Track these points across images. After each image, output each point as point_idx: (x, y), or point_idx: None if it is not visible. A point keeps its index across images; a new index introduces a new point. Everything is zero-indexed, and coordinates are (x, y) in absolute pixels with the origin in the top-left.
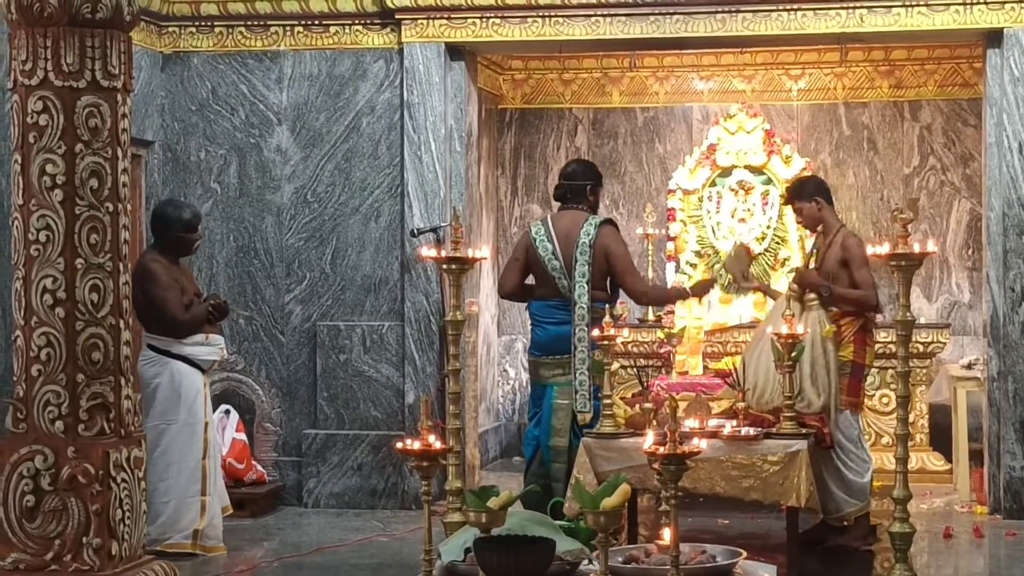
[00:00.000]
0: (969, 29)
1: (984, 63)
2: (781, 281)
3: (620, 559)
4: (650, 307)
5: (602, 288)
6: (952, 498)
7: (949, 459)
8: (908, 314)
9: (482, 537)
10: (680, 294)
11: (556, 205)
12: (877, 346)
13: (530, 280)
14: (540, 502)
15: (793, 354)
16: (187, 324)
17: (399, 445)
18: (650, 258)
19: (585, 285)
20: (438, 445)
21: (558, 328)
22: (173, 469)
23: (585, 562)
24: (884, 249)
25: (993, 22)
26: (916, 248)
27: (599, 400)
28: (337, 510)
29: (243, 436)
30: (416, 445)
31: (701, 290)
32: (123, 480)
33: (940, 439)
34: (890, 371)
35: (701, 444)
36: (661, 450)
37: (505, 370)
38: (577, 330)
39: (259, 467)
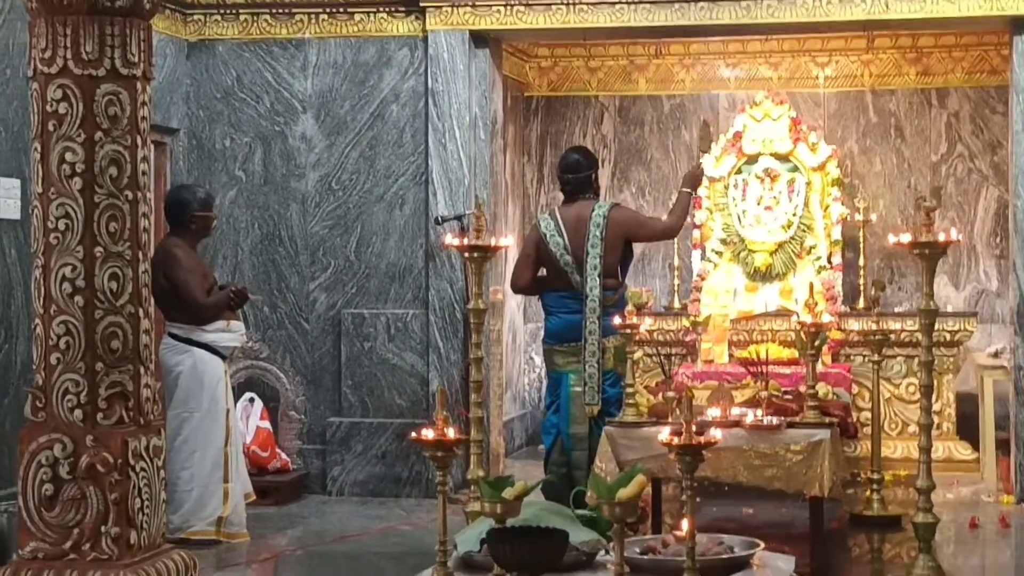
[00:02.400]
0: (995, 16)
1: (1011, 50)
2: (808, 269)
3: (637, 550)
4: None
5: (613, 275)
6: (979, 488)
7: (976, 448)
8: (932, 303)
9: (496, 528)
10: (685, 200)
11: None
12: (903, 334)
13: (542, 272)
14: (561, 491)
15: (816, 343)
16: (209, 308)
17: (413, 435)
18: (676, 246)
19: (597, 278)
20: (452, 435)
21: (572, 316)
22: (196, 457)
23: (602, 552)
24: (907, 238)
25: (1019, 9)
26: (940, 237)
27: (621, 388)
28: (361, 498)
29: (267, 424)
30: (430, 435)
31: (694, 180)
32: (142, 469)
33: (967, 428)
34: (916, 360)
35: (718, 434)
36: (677, 440)
37: (531, 358)
38: (588, 322)
39: (283, 455)
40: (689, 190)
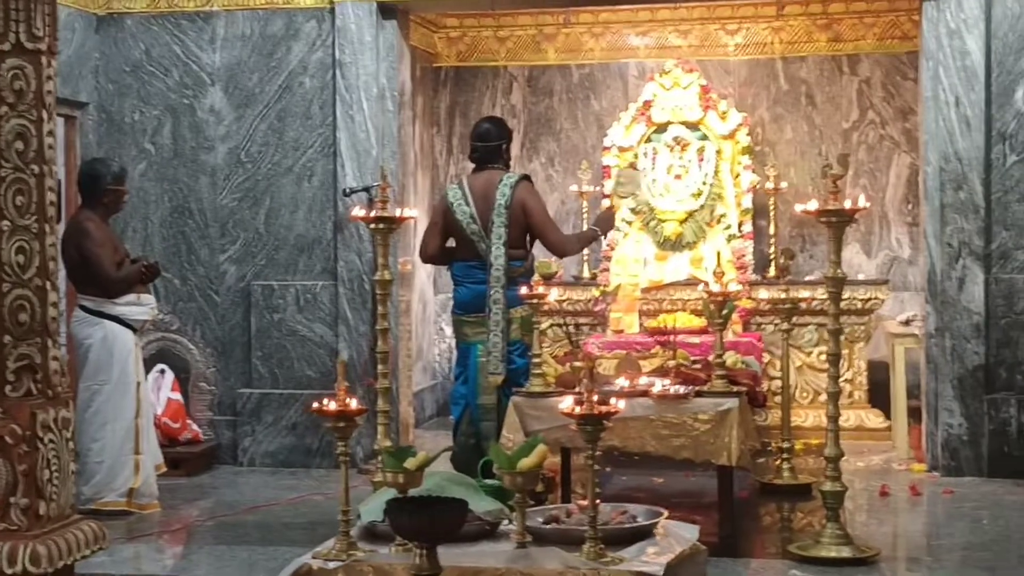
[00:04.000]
0: None
1: (921, 15)
2: (719, 238)
3: (540, 519)
4: (583, 258)
5: (520, 247)
6: (890, 456)
7: (888, 416)
8: (839, 271)
9: (395, 498)
10: (591, 235)
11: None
12: (814, 302)
13: (450, 243)
14: (470, 461)
15: (724, 312)
16: (120, 282)
17: (315, 405)
18: (585, 216)
19: (502, 247)
20: (354, 406)
21: (479, 287)
22: (107, 429)
23: (505, 522)
24: (814, 206)
25: None
26: (847, 204)
27: (527, 358)
28: (272, 469)
29: (178, 396)
30: (332, 406)
31: (606, 223)
32: (50, 441)
33: (879, 396)
34: (826, 327)
35: (620, 404)
36: (579, 410)
37: (441, 328)
38: (492, 292)
39: (194, 426)
40: (598, 230)
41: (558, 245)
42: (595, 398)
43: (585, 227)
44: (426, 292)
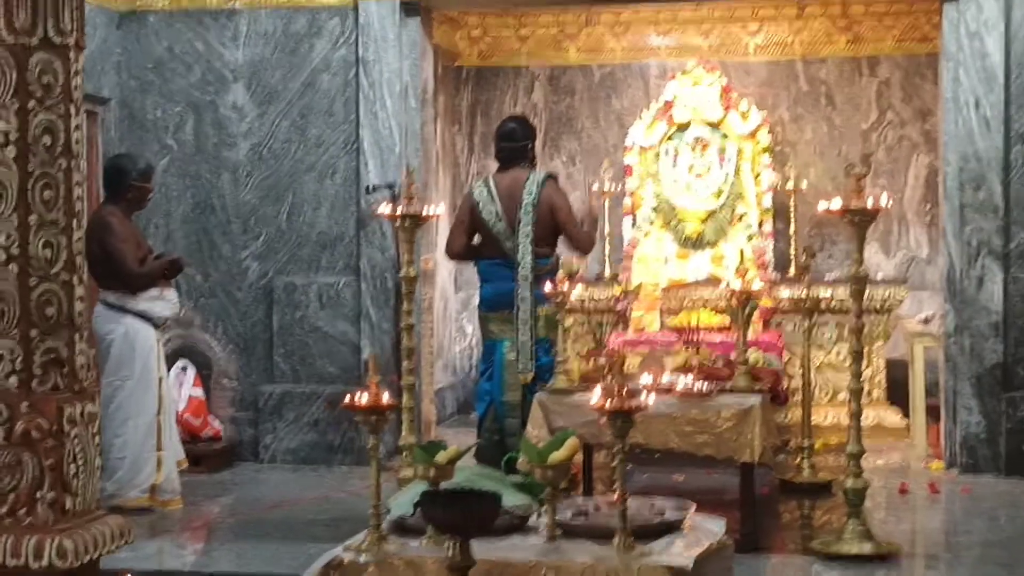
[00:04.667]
0: None
1: (941, 17)
2: (739, 237)
3: (569, 513)
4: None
5: (546, 244)
6: (909, 454)
7: (906, 415)
8: (862, 269)
9: (429, 491)
10: (590, 217)
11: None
12: (833, 302)
13: (476, 239)
14: (494, 457)
15: (747, 310)
16: (142, 277)
17: (347, 399)
18: (607, 215)
19: (529, 245)
20: (387, 400)
21: (505, 284)
22: (129, 425)
23: (534, 516)
24: (837, 204)
25: None
26: (870, 203)
27: (552, 356)
28: (293, 466)
29: (200, 392)
30: (364, 400)
31: (590, 218)
32: (76, 435)
33: (898, 395)
34: (847, 327)
35: (649, 399)
36: (608, 404)
37: (462, 326)
38: (520, 290)
39: (216, 423)
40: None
41: (585, 242)
42: (624, 392)
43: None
44: (447, 290)
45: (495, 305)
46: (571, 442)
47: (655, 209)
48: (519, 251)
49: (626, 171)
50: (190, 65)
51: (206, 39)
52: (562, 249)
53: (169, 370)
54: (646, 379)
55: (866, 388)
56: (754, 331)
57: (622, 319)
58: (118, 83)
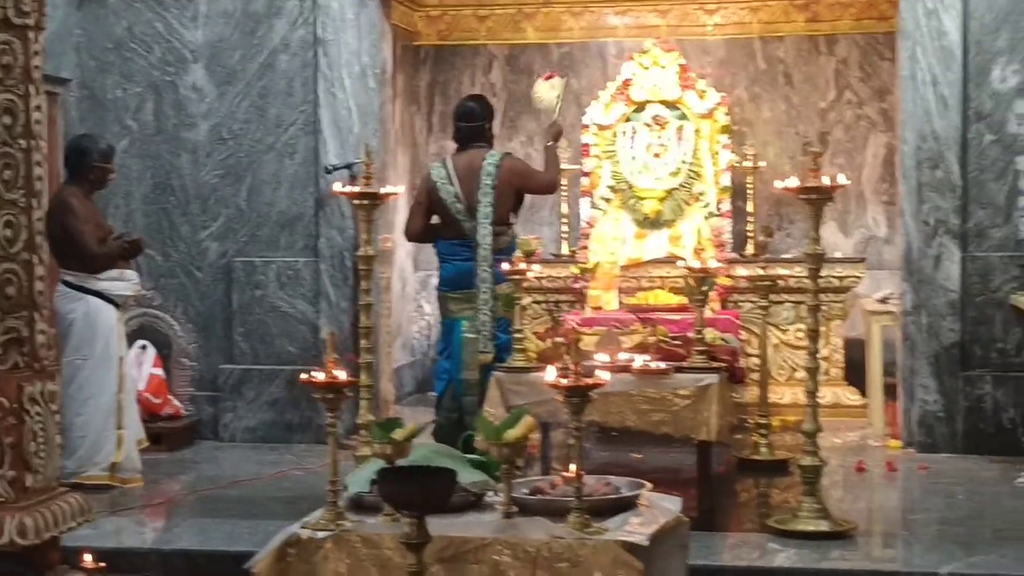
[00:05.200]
0: None
1: None
2: (697, 216)
3: (525, 490)
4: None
5: (505, 223)
6: (866, 432)
7: (864, 394)
8: (818, 247)
9: (385, 468)
10: (552, 153)
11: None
12: (791, 280)
13: (435, 220)
14: (452, 436)
15: (704, 288)
16: (103, 257)
17: (304, 377)
18: (565, 194)
19: (488, 226)
20: (344, 378)
21: (464, 264)
22: (90, 404)
23: (490, 493)
24: (794, 183)
25: None
26: (826, 182)
27: (509, 334)
28: (253, 444)
29: (160, 371)
30: (321, 377)
31: (555, 134)
32: (37, 413)
33: (855, 374)
34: (804, 305)
35: (605, 376)
36: (564, 382)
37: (420, 306)
38: (480, 271)
39: (176, 402)
40: (552, 143)
41: (552, 182)
42: (580, 370)
43: (566, 208)
44: (405, 269)
45: (455, 285)
46: (526, 420)
47: (613, 188)
48: (478, 231)
49: (584, 151)
50: (150, 46)
51: (166, 19)
52: (519, 229)
53: (129, 349)
54: (602, 357)
55: (823, 367)
56: (711, 310)
57: (579, 298)
58: (78, 64)
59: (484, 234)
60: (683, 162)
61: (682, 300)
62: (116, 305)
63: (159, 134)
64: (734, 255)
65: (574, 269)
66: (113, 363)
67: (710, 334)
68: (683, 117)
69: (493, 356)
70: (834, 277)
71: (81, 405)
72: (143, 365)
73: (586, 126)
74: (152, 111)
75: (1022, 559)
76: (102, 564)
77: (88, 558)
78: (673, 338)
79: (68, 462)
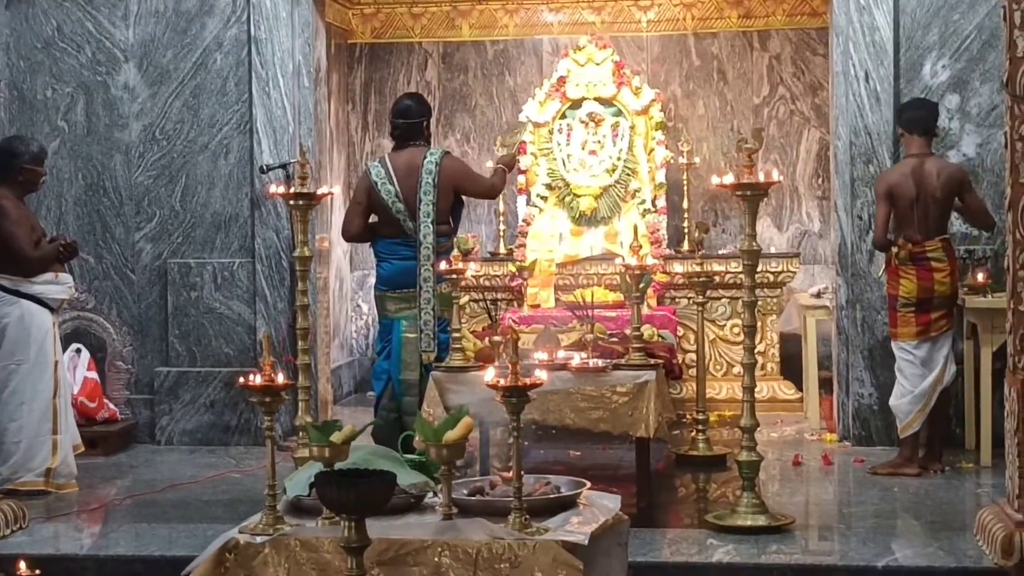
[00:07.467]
0: None
1: None
2: (633, 213)
3: (465, 491)
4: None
5: (446, 222)
6: (802, 426)
7: (800, 388)
8: (754, 243)
9: (323, 471)
10: (501, 172)
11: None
12: (727, 276)
13: (373, 219)
14: (392, 436)
15: (641, 285)
16: (37, 261)
17: (241, 380)
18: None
19: (430, 225)
20: (280, 380)
21: (404, 263)
22: (24, 409)
23: (430, 495)
24: (729, 179)
25: None
26: (761, 178)
27: (448, 333)
28: (190, 447)
29: (95, 375)
30: (258, 380)
31: (509, 163)
32: None
33: (791, 368)
34: (740, 301)
35: (542, 375)
36: (502, 382)
37: (358, 305)
38: (422, 270)
39: (111, 405)
40: (503, 167)
41: (493, 188)
42: (518, 369)
43: (503, 206)
44: (343, 269)
45: (394, 284)
46: (465, 421)
47: (549, 186)
48: (420, 230)
49: (520, 148)
50: (80, 45)
51: (96, 19)
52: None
53: (63, 353)
54: (540, 356)
55: (760, 362)
56: (648, 306)
57: (517, 296)
58: (7, 64)
59: (426, 233)
60: (619, 159)
61: (619, 297)
62: (51, 309)
63: (91, 135)
64: (670, 251)
65: (511, 267)
66: (48, 367)
67: (647, 331)
68: (619, 114)
69: (435, 355)
70: (769, 272)
71: (15, 410)
72: (77, 369)
73: (522, 123)
74: (83, 111)
75: (957, 551)
76: (37, 571)
77: (23, 565)
78: (610, 335)
79: (2, 468)
